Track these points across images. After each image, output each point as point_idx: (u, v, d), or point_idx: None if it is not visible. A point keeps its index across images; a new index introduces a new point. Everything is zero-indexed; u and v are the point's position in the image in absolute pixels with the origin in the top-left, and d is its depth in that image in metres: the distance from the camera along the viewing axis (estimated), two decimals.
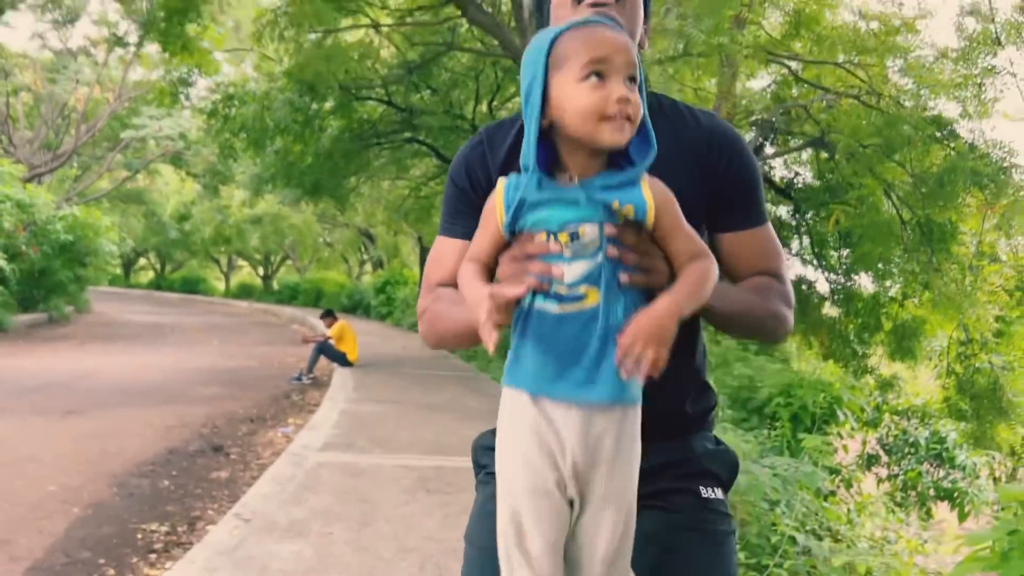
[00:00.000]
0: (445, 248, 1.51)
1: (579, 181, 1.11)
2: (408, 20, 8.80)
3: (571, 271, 1.08)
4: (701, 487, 1.43)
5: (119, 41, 15.22)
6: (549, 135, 1.14)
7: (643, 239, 1.13)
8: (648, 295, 1.10)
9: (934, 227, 8.48)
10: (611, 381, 1.07)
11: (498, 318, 1.07)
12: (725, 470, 1.50)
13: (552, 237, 1.09)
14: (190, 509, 5.15)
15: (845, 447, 7.77)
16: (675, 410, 1.44)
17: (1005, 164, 7.73)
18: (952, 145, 7.95)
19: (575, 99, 1.08)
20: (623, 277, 1.08)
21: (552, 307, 1.09)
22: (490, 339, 1.07)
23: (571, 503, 1.13)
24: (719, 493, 1.46)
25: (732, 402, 7.00)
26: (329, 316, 12.10)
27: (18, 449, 6.42)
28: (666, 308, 1.06)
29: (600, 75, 1.07)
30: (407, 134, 11.80)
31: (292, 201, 14.76)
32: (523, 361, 1.11)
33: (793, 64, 8.51)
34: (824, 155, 9.30)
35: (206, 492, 5.59)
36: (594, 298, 1.07)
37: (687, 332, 1.42)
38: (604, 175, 1.12)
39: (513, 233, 1.16)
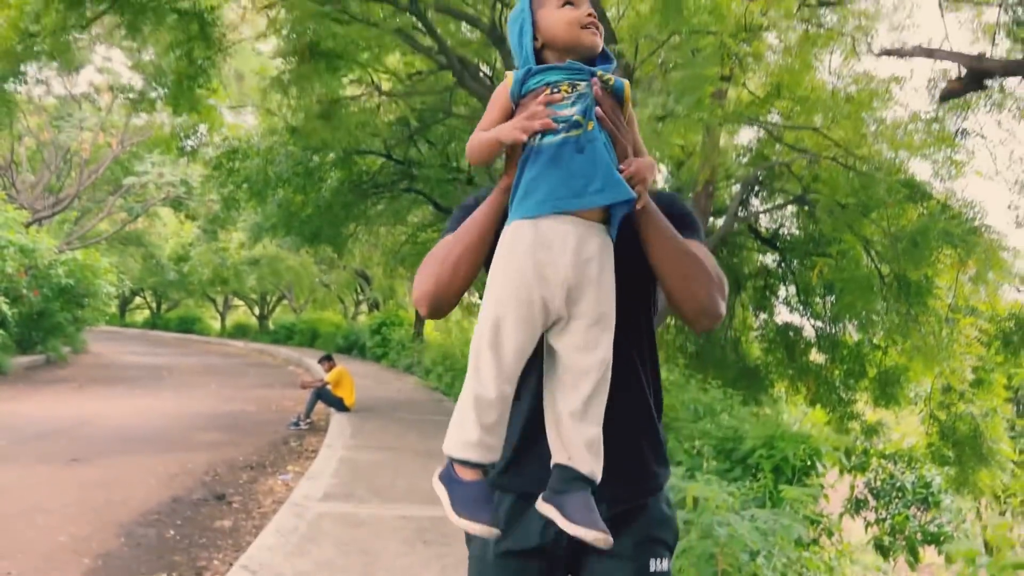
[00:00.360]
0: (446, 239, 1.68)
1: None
2: (407, 82, 9.18)
3: (570, 112, 1.42)
4: (651, 559, 1.68)
5: (125, 89, 15.60)
6: (540, 56, 1.53)
7: (617, 108, 1.49)
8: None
9: (911, 282, 8.87)
10: (622, 186, 1.40)
11: (522, 133, 1.40)
12: (672, 536, 1.76)
13: (553, 89, 1.44)
14: (196, 559, 5.36)
15: (827, 496, 7.99)
16: (639, 476, 1.70)
17: (976, 224, 8.12)
18: (925, 205, 8.34)
19: (560, 16, 1.49)
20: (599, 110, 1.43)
21: (556, 138, 1.41)
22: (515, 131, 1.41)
23: (554, 323, 1.41)
24: (664, 564, 1.70)
25: (717, 453, 7.26)
26: (328, 360, 12.34)
27: (26, 498, 6.62)
28: (649, 159, 1.49)
29: (571, 3, 1.50)
30: (405, 184, 12.20)
31: (291, 247, 15.08)
32: (535, 190, 1.41)
33: (776, 122, 8.96)
34: (806, 209, 9.70)
35: (211, 542, 5.80)
36: (590, 126, 1.41)
37: (648, 406, 1.71)
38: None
39: (518, 103, 1.49)
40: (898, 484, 13.14)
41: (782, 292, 12.71)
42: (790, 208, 11.23)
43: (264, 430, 11.09)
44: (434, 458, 8.66)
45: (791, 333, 12.53)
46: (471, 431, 1.42)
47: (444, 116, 9.68)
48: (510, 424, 1.49)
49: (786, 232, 10.74)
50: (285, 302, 38.84)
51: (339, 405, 11.83)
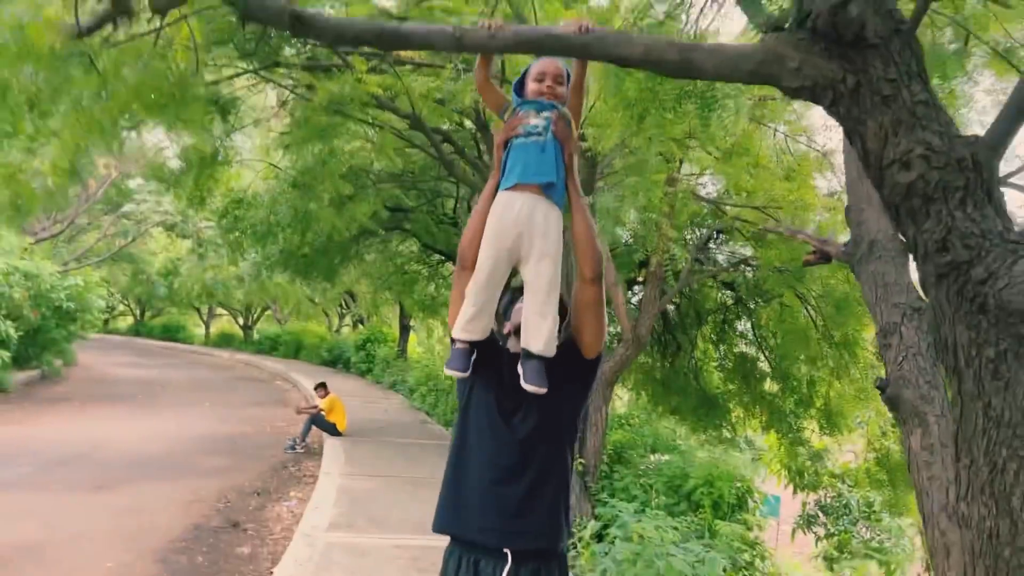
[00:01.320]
0: None
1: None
2: (400, 160, 10.16)
3: (537, 121, 2.51)
4: None
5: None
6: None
7: (567, 128, 2.56)
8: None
9: (838, 339, 10.09)
10: (553, 173, 2.48)
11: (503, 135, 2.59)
12: None
13: (526, 112, 2.56)
14: None
15: (760, 525, 9.12)
16: (548, 546, 2.61)
17: None
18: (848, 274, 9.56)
19: (531, 86, 2.55)
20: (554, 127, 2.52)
21: (526, 140, 2.53)
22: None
23: (519, 260, 2.48)
24: None
25: (667, 488, 8.36)
26: (322, 388, 13.32)
27: (68, 526, 7.58)
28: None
29: (541, 78, 2.57)
30: (395, 226, 13.24)
31: (287, 279, 16.01)
32: (510, 172, 2.51)
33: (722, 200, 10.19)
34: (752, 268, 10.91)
35: (235, 568, 6.81)
36: (544, 136, 2.53)
37: (567, 484, 2.72)
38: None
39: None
40: (845, 502, 14.34)
41: (739, 326, 13.89)
42: (748, 252, 12.43)
43: (263, 453, 12.04)
44: (421, 486, 9.69)
45: (747, 364, 13.70)
46: (462, 322, 2.49)
47: (434, 181, 10.80)
48: (461, 485, 2.57)
49: (740, 276, 11.92)
50: (269, 312, 39.41)
51: (332, 430, 12.81)
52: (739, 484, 8.13)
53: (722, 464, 8.70)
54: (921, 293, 3.46)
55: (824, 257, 3.97)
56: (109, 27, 3.33)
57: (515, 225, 2.45)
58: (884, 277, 3.40)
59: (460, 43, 2.38)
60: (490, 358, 2.61)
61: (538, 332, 2.45)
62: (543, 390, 2.41)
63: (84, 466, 10.25)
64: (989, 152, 2.07)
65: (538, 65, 2.54)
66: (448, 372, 2.51)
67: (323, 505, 8.23)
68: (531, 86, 2.55)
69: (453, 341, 2.55)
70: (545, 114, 2.50)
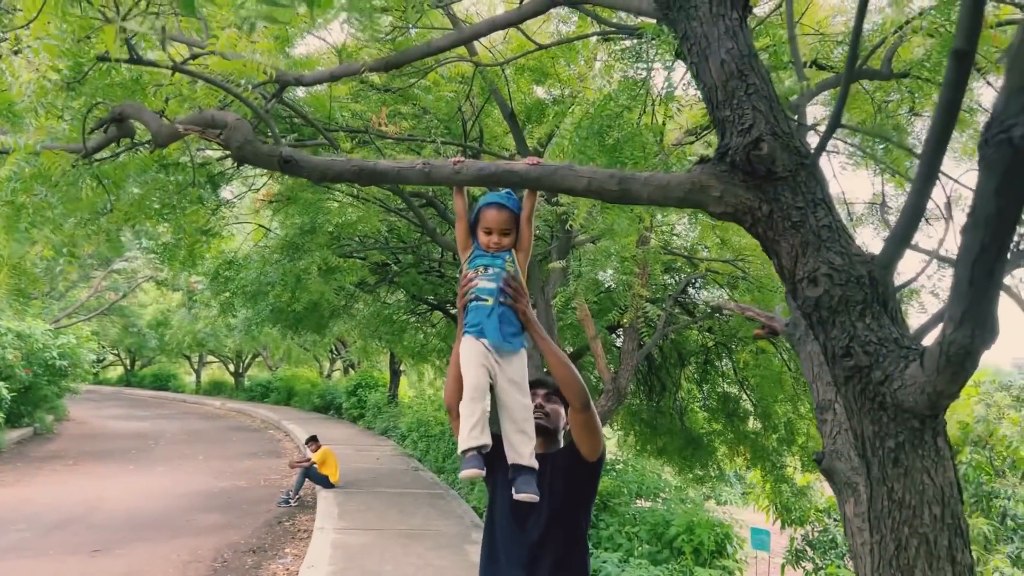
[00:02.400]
0: None
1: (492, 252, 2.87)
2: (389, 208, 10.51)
3: (483, 284, 2.82)
4: None
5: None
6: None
7: (518, 281, 2.85)
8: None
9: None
10: (498, 336, 2.76)
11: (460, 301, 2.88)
12: None
13: (478, 271, 2.86)
14: None
15: (740, 569, 9.36)
16: None
17: None
18: None
19: (480, 236, 2.81)
20: (502, 298, 2.79)
21: (478, 304, 2.83)
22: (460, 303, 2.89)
23: (488, 372, 2.75)
24: None
25: (650, 536, 8.61)
26: (313, 442, 13.51)
27: None
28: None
29: (488, 231, 2.84)
30: (382, 280, 13.57)
31: (278, 333, 16.26)
32: (468, 325, 2.79)
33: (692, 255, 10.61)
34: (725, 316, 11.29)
35: None
36: (491, 301, 2.82)
37: None
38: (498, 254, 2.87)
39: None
40: (831, 536, 14.53)
41: (720, 366, 14.21)
42: (726, 296, 12.81)
43: (257, 508, 12.21)
44: (414, 538, 9.89)
45: (730, 403, 13.99)
46: (464, 434, 2.72)
47: (414, 247, 11.19)
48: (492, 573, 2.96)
49: (716, 322, 12.27)
50: (260, 359, 39.48)
51: (325, 482, 12.99)
52: (718, 529, 8.40)
53: (702, 511, 8.96)
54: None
55: (772, 332, 4.31)
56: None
57: (481, 362, 2.75)
58: (819, 357, 3.72)
59: (429, 177, 2.72)
60: (503, 456, 2.86)
61: (521, 448, 2.74)
62: (536, 499, 2.68)
63: (80, 529, 10.41)
64: (883, 270, 2.41)
65: (485, 218, 2.83)
66: (465, 476, 2.68)
67: (318, 563, 8.43)
68: (481, 237, 2.84)
69: (463, 452, 2.75)
70: (493, 270, 2.81)
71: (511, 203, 2.86)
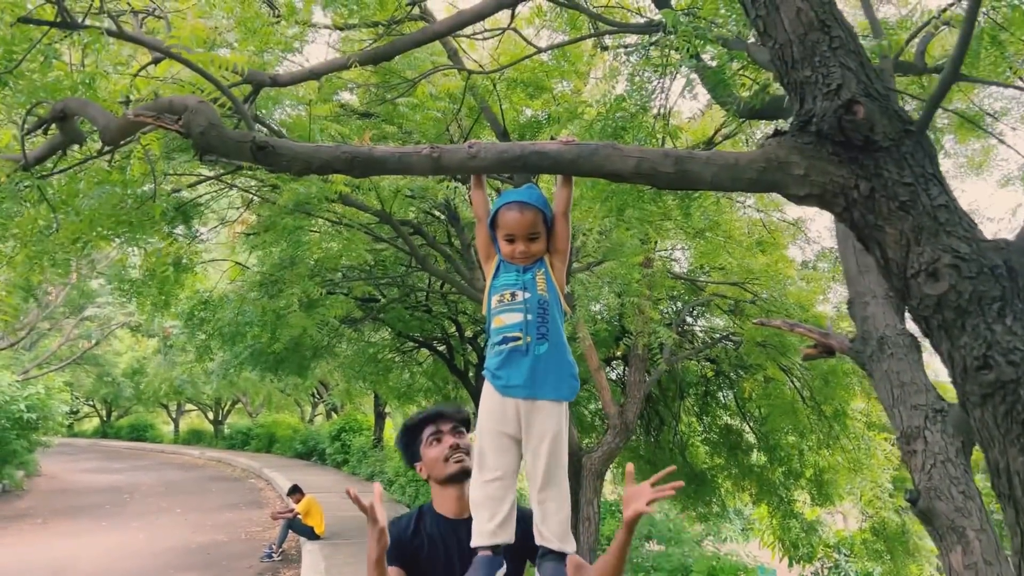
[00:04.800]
0: None
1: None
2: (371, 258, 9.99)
3: (510, 320, 2.23)
4: None
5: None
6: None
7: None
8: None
9: (825, 411, 9.95)
10: (534, 388, 2.16)
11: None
12: None
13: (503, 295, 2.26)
14: None
15: None
16: None
17: None
18: None
19: (503, 246, 2.24)
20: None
21: (501, 347, 2.22)
22: None
23: (519, 442, 2.17)
24: None
25: None
26: (297, 492, 12.79)
27: None
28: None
29: (511, 239, 2.24)
30: (365, 317, 12.98)
31: (257, 376, 15.59)
32: (495, 373, 2.21)
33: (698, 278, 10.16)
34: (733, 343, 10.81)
35: None
36: (527, 339, 2.21)
37: None
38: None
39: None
40: (843, 573, 13.93)
41: (720, 397, 13.69)
42: (723, 323, 12.34)
43: (239, 564, 11.45)
44: None
45: (733, 436, 13.44)
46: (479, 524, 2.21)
47: (402, 277, 10.67)
48: None
49: (721, 350, 11.78)
50: (240, 405, 38.51)
51: (310, 534, 12.26)
52: (742, 575, 7.80)
53: (723, 557, 8.38)
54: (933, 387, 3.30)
55: (827, 351, 3.78)
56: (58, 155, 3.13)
57: (510, 418, 2.24)
58: (899, 376, 3.21)
59: (438, 164, 2.20)
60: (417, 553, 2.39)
61: (557, 534, 2.20)
62: None
63: None
64: (1022, 257, 1.91)
65: (505, 222, 2.26)
66: None
67: None
68: (503, 247, 2.27)
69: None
70: (523, 295, 2.23)
71: (536, 200, 2.27)
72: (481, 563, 2.16)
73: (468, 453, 2.48)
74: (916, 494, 2.98)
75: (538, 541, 2.20)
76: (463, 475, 2.44)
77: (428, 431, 2.53)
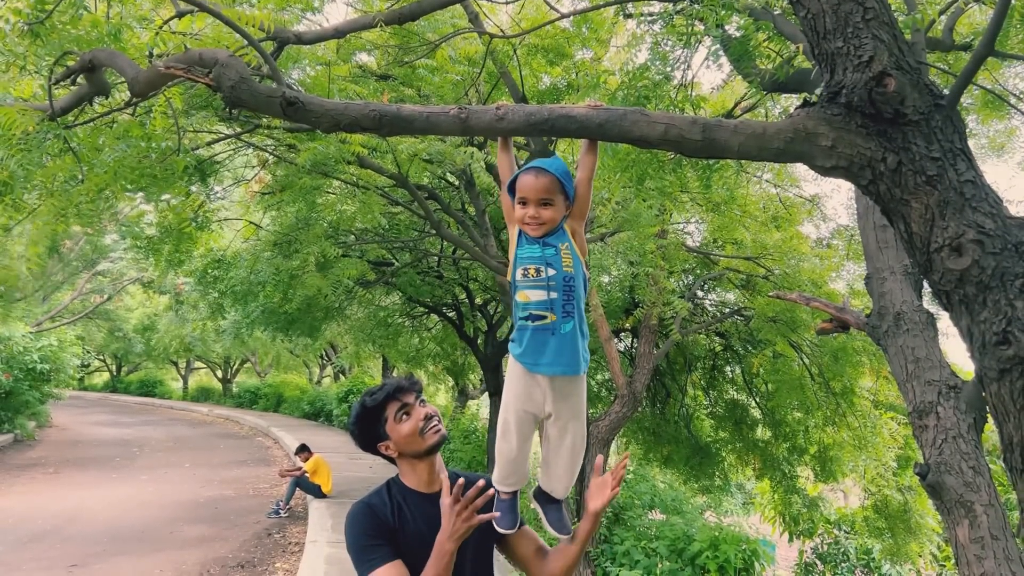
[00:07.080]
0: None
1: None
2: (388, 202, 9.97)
3: (535, 297, 2.24)
4: None
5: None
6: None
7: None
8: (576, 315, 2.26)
9: (839, 387, 9.97)
10: (561, 365, 2.23)
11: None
12: None
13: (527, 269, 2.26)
14: None
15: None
16: None
17: None
18: None
19: (517, 209, 2.24)
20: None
21: (524, 322, 2.27)
22: None
23: (546, 418, 2.31)
24: None
25: (670, 552, 8.09)
26: (305, 451, 12.92)
27: None
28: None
29: (524, 202, 2.25)
30: (379, 280, 13.03)
31: (268, 336, 15.69)
32: (522, 350, 2.26)
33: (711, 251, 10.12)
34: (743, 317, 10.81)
35: None
36: (552, 318, 2.24)
37: None
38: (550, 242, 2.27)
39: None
40: (843, 549, 14.04)
41: (728, 371, 13.73)
42: (733, 298, 12.35)
43: (246, 519, 11.62)
44: None
45: (738, 410, 13.50)
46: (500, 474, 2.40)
47: (416, 242, 10.68)
48: None
49: (731, 324, 11.78)
50: (249, 365, 38.78)
51: (317, 492, 12.41)
52: (745, 546, 7.88)
53: (726, 527, 8.45)
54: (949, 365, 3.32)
55: (841, 326, 3.80)
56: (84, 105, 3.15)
57: (536, 396, 2.35)
58: (914, 352, 3.22)
59: (466, 125, 2.21)
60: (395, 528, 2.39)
61: (562, 486, 2.48)
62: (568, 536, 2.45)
63: (58, 542, 9.81)
64: None
65: (521, 186, 2.25)
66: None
67: None
68: (517, 210, 2.27)
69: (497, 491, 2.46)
70: (548, 272, 2.21)
71: (555, 168, 2.25)
72: (508, 505, 2.43)
73: (440, 420, 2.50)
74: (926, 468, 3.01)
75: (545, 488, 2.47)
76: (441, 444, 2.46)
77: (393, 408, 2.43)
